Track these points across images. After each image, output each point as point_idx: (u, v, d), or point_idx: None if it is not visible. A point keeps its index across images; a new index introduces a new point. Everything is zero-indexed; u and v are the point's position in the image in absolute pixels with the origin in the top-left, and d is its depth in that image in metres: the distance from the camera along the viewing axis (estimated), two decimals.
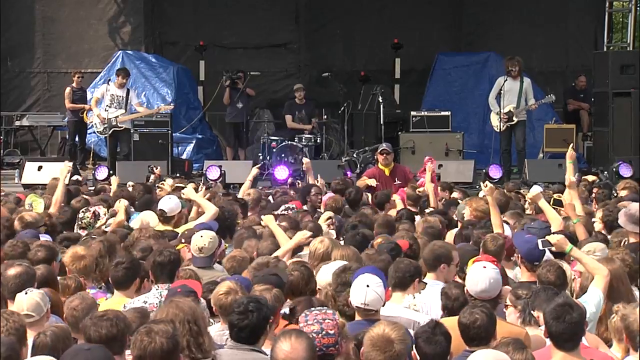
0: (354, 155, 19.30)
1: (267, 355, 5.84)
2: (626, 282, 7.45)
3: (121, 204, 10.96)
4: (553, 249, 7.95)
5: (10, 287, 7.02)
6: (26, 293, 6.60)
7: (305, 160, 14.61)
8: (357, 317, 6.69)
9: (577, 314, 5.99)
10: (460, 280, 7.85)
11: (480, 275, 6.91)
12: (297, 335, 5.36)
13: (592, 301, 6.85)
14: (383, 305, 6.77)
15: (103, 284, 8.24)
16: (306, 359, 5.25)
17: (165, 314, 5.84)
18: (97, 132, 19.15)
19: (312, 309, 5.98)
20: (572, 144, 13.04)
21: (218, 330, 6.47)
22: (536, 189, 11.07)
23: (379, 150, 15.07)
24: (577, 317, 5.98)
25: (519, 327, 6.75)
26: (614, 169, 18.24)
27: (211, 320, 7.05)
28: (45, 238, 9.47)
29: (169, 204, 10.89)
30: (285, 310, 6.66)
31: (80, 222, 10.52)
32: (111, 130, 18.85)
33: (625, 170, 18.20)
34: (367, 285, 6.61)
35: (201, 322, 5.96)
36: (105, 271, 8.19)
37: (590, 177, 15.49)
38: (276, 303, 6.50)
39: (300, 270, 7.34)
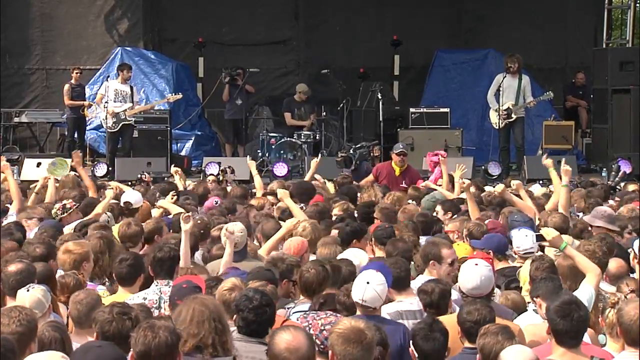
0: (350, 151, 19.31)
1: None
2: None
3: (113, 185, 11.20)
4: (546, 244, 7.96)
5: (11, 284, 6.99)
6: (28, 290, 6.57)
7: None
8: (358, 312, 6.71)
9: (584, 312, 6.00)
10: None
11: (472, 273, 6.96)
12: (295, 328, 5.39)
13: (584, 297, 6.88)
14: (384, 304, 6.80)
15: (106, 279, 8.24)
16: (308, 347, 5.22)
17: (192, 311, 5.71)
18: (107, 127, 18.97)
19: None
20: (546, 153, 13.13)
21: None
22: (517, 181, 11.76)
23: (395, 151, 15.21)
24: (583, 315, 5.98)
25: (512, 323, 6.77)
26: (613, 166, 18.24)
27: None
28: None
29: (134, 196, 11.24)
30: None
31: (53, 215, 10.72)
32: (120, 125, 18.80)
33: (625, 167, 18.20)
34: (368, 282, 6.63)
35: (225, 319, 5.84)
36: (105, 266, 8.21)
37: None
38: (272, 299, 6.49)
39: (317, 269, 7.30)
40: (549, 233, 7.65)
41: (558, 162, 12.59)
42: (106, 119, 18.80)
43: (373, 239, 9.08)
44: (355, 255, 8.13)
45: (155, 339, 5.16)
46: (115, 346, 5.37)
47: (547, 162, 12.14)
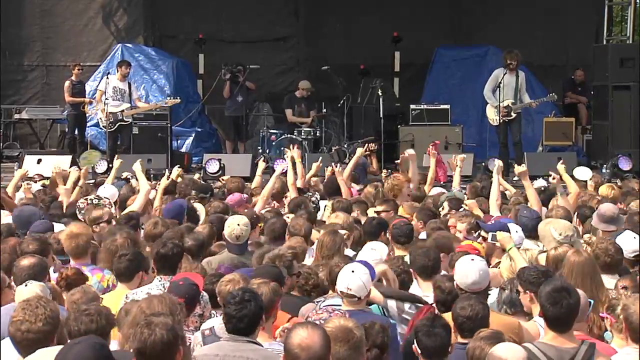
0: (344, 146, 19.31)
1: (262, 346, 5.90)
2: (594, 275, 7.37)
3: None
4: (497, 244, 8.43)
5: (23, 277, 6.97)
6: (26, 285, 6.55)
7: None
8: (343, 305, 6.78)
9: (574, 299, 6.04)
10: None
11: (470, 268, 6.96)
12: (313, 326, 5.32)
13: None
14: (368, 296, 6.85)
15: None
16: (322, 347, 5.16)
17: (134, 310, 5.77)
18: (103, 126, 18.97)
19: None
20: (560, 160, 13.05)
21: (221, 323, 6.45)
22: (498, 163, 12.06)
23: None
24: (573, 302, 6.02)
25: (512, 318, 6.78)
26: (614, 163, 18.24)
27: (213, 312, 7.06)
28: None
29: (109, 191, 11.44)
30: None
31: None
32: (117, 125, 18.77)
33: (625, 164, 18.21)
34: (353, 271, 6.75)
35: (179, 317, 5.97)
36: None
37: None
38: (274, 296, 6.47)
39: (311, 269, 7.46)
40: (500, 234, 8.32)
41: (558, 158, 12.62)
42: (102, 119, 18.79)
43: (390, 238, 9.16)
44: (375, 247, 8.16)
45: (151, 336, 5.16)
46: (95, 336, 5.32)
47: (560, 167, 12.17)
